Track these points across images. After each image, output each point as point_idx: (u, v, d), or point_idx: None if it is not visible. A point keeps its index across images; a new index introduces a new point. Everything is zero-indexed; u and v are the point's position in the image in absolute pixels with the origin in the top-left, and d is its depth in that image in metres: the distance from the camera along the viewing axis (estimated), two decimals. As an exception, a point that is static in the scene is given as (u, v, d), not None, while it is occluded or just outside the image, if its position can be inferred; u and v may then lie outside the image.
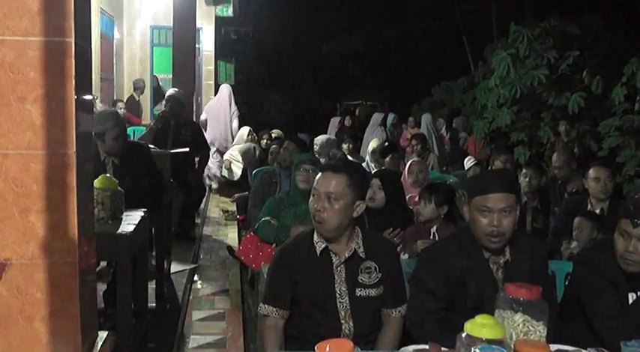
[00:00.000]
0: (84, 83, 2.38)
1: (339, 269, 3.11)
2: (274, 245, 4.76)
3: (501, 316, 2.42)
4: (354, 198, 3.10)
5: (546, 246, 3.83)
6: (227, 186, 10.53)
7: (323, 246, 3.12)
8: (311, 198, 3.13)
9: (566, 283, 3.55)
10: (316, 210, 3.07)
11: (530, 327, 2.37)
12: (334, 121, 14.14)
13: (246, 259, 5.05)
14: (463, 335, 2.26)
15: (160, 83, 13.97)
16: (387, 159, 7.57)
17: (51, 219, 2.29)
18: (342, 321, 3.09)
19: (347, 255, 3.10)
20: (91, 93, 2.54)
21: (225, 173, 10.41)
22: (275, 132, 10.98)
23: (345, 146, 9.67)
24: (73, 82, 2.26)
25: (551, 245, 5.08)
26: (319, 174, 3.15)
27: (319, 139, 9.20)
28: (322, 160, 8.25)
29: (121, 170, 5.20)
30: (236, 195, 9.18)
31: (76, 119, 2.28)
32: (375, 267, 3.12)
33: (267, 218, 4.87)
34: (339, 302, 3.09)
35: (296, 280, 3.11)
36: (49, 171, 2.27)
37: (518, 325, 2.38)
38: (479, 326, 2.24)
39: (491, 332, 2.22)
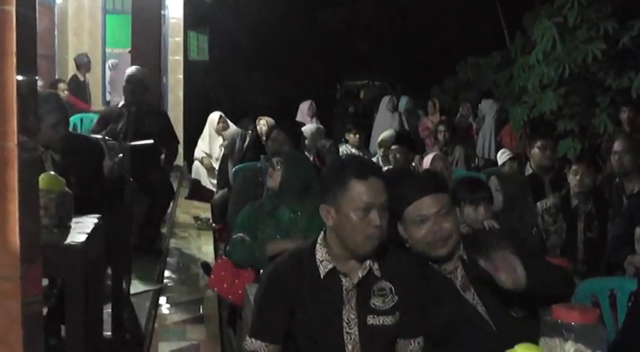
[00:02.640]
0: (27, 61, 2.38)
1: (349, 293, 3.10)
2: (251, 269, 4.75)
3: (547, 345, 2.44)
4: None
5: (510, 234, 3.85)
6: (199, 187, 10.57)
7: (330, 266, 3.10)
8: (355, 212, 3.03)
9: (629, 304, 3.57)
10: (375, 226, 3.01)
11: (585, 358, 2.39)
12: (303, 107, 13.91)
13: (221, 290, 5.02)
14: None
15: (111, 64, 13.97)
16: (394, 151, 7.60)
17: (-14, 226, 2.30)
18: (349, 357, 3.11)
19: (360, 276, 3.09)
20: (36, 74, 2.54)
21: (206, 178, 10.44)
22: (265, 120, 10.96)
23: (350, 137, 9.72)
24: (14, 60, 2.27)
25: (609, 258, 5.13)
26: (362, 182, 3.04)
27: (308, 129, 9.26)
28: (310, 156, 8.29)
29: (62, 168, 5.16)
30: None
31: (18, 105, 2.29)
32: (391, 289, 3.12)
33: (239, 235, 4.84)
34: (347, 332, 3.09)
35: (292, 309, 3.11)
36: (-16, 169, 2.28)
37: (570, 355, 2.40)
38: (521, 359, 2.26)
39: (536, 365, 2.25)
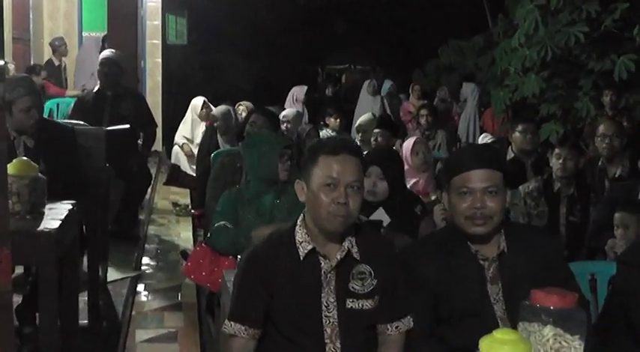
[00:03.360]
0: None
1: (328, 276, 3.10)
2: (231, 257, 4.73)
3: (527, 330, 2.43)
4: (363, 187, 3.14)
5: (558, 241, 3.94)
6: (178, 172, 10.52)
7: (309, 247, 3.10)
8: (321, 187, 3.04)
9: (609, 288, 3.58)
10: (338, 203, 3.01)
11: (564, 343, 2.38)
12: (298, 92, 13.57)
13: (198, 278, 4.98)
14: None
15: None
16: (376, 135, 7.59)
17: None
18: (327, 341, 3.09)
19: (339, 258, 3.09)
20: (3, 58, 2.51)
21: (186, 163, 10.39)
22: (245, 106, 10.90)
23: (331, 121, 9.69)
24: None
25: (591, 242, 5.14)
26: (331, 158, 3.06)
27: (290, 113, 9.22)
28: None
29: (35, 153, 5.10)
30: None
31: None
32: (370, 272, 3.12)
33: (220, 223, 4.82)
34: (325, 316, 3.09)
35: (272, 293, 3.10)
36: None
37: (548, 340, 2.39)
38: (498, 344, 2.24)
39: (515, 351, 2.23)
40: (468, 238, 3.18)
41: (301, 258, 3.09)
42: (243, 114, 8.97)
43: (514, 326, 2.87)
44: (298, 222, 3.17)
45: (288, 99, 12.86)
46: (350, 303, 3.10)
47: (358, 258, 3.11)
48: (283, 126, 8.96)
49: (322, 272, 3.10)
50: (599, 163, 6.53)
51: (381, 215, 4.60)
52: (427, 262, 3.17)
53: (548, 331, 2.40)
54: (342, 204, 3.00)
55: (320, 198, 3.02)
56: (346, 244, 3.10)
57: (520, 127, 6.98)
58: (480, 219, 3.10)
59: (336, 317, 3.09)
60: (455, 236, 3.21)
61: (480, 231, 3.12)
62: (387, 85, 14.32)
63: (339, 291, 3.10)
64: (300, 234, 3.13)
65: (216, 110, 9.15)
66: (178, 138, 10.53)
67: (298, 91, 13.01)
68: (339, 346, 3.09)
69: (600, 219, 5.40)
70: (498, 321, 3.09)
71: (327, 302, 3.09)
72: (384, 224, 4.51)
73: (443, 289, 3.12)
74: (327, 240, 3.11)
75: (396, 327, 3.17)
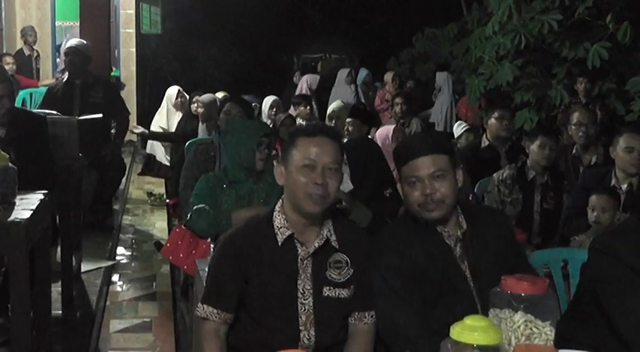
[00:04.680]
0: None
1: (305, 262, 3.11)
2: (211, 239, 4.73)
3: (497, 316, 2.44)
4: (342, 170, 3.16)
5: (505, 216, 4.11)
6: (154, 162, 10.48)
7: (288, 233, 3.10)
8: (299, 168, 3.06)
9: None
10: (316, 183, 3.02)
11: (534, 329, 2.39)
12: (313, 81, 13.30)
13: (176, 260, 4.98)
14: (448, 341, 2.26)
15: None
16: (348, 124, 7.59)
17: None
18: (302, 328, 3.10)
19: (317, 245, 3.10)
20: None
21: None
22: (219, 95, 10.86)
23: (301, 109, 9.66)
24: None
25: (563, 229, 5.16)
26: (309, 140, 3.08)
27: (267, 101, 9.19)
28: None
29: (6, 143, 5.08)
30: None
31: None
32: (347, 262, 3.14)
33: (200, 205, 4.82)
34: (301, 303, 3.10)
35: (247, 277, 3.10)
36: None
37: (519, 327, 2.40)
38: (468, 330, 2.23)
39: (485, 337, 2.22)
40: (425, 222, 3.22)
41: (279, 244, 3.10)
42: (200, 110, 8.83)
43: (484, 303, 2.94)
44: (277, 208, 3.17)
45: (299, 87, 12.77)
46: (327, 291, 3.11)
47: (336, 247, 3.13)
48: (269, 112, 8.97)
49: (299, 259, 3.10)
50: (574, 151, 6.55)
51: (345, 180, 4.65)
52: (402, 248, 3.18)
53: (519, 317, 2.41)
54: (320, 185, 3.01)
55: (298, 179, 3.04)
56: (325, 232, 3.12)
57: (496, 114, 6.98)
58: (432, 204, 3.14)
59: (311, 304, 3.10)
60: (417, 222, 3.25)
61: (434, 216, 3.17)
62: (363, 73, 14.28)
63: (315, 279, 3.11)
64: (278, 220, 3.13)
65: (202, 98, 9.12)
66: (154, 127, 10.47)
67: (311, 81, 12.96)
68: (313, 333, 3.10)
69: (574, 205, 5.44)
70: (475, 298, 3.15)
71: (303, 289, 3.10)
72: (347, 190, 4.57)
73: (419, 272, 3.14)
74: (305, 226, 3.11)
75: (372, 316, 3.18)
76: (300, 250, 3.11)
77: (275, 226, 3.12)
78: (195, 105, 9.20)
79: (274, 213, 3.15)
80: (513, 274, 3.09)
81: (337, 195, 3.19)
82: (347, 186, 4.66)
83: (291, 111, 9.87)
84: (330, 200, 3.07)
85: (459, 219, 3.24)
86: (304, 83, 12.79)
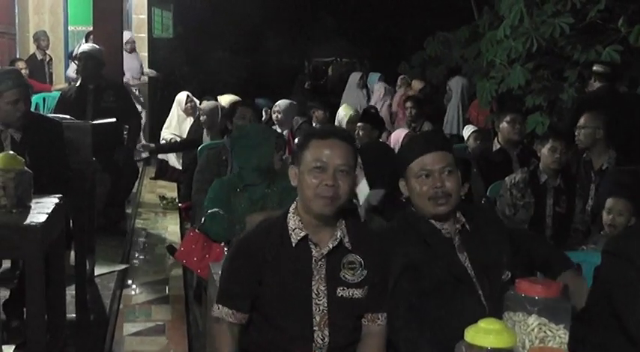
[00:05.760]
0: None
1: (319, 263, 3.12)
2: (224, 243, 4.75)
3: (511, 319, 2.45)
4: (354, 172, 3.19)
5: (494, 212, 4.40)
6: (166, 167, 10.51)
7: (302, 234, 3.12)
8: (310, 170, 3.09)
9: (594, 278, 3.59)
10: (326, 185, 3.05)
11: (548, 332, 2.40)
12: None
13: (190, 263, 5.01)
14: (463, 344, 2.27)
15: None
16: (358, 129, 7.59)
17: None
18: (316, 328, 3.10)
19: (331, 246, 3.12)
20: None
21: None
22: (226, 99, 10.87)
23: (319, 113, 9.66)
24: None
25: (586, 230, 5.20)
26: (321, 142, 3.12)
27: (282, 104, 9.18)
28: (284, 131, 8.26)
29: (21, 147, 5.12)
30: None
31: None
32: (361, 263, 3.14)
33: (214, 209, 4.84)
34: (315, 304, 3.11)
35: (260, 278, 3.12)
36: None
37: (533, 330, 2.41)
38: (483, 333, 2.24)
39: (499, 340, 2.23)
40: (429, 217, 3.30)
41: (293, 245, 3.11)
42: (202, 118, 8.77)
43: (487, 294, 3.08)
44: (291, 210, 3.19)
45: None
46: (340, 292, 3.12)
47: (350, 248, 3.14)
48: (274, 116, 8.97)
49: (313, 260, 3.12)
50: (584, 155, 6.54)
51: (364, 187, 4.68)
52: (405, 244, 3.24)
53: (533, 320, 2.41)
54: (330, 186, 3.03)
55: (309, 180, 3.06)
56: (338, 233, 3.13)
57: (508, 117, 6.97)
58: (442, 198, 3.22)
59: (326, 305, 3.11)
60: (416, 218, 3.32)
61: (442, 210, 3.25)
62: (375, 76, 14.28)
63: (329, 279, 3.12)
64: (292, 221, 3.15)
65: (203, 105, 9.12)
66: (166, 134, 10.49)
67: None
68: (327, 333, 3.11)
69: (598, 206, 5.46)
70: (475, 283, 3.21)
71: (317, 290, 3.11)
72: (363, 193, 4.62)
73: (422, 267, 3.19)
74: (318, 227, 3.13)
75: (385, 317, 3.19)
76: (314, 251, 3.12)
77: (289, 227, 3.14)
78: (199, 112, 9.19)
79: (288, 215, 3.17)
80: (532, 257, 3.39)
81: (349, 197, 3.21)
82: (364, 189, 4.68)
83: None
84: (341, 201, 3.09)
85: (457, 216, 3.32)
86: (382, 90, 12.83)
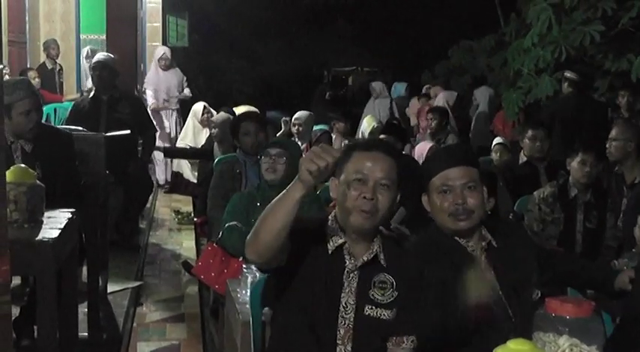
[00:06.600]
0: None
1: (351, 276, 3.12)
2: (242, 259, 4.76)
3: (541, 340, 2.44)
4: (397, 188, 3.17)
5: (522, 226, 4.43)
6: (181, 180, 10.54)
7: (340, 241, 3.11)
8: (351, 182, 3.08)
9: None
10: (365, 198, 3.04)
11: (580, 353, 2.39)
12: (450, 97, 12.92)
13: (207, 279, 5.04)
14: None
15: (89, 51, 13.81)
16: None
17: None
18: (339, 342, 3.10)
19: (365, 259, 3.11)
20: (0, 61, 2.53)
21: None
22: (242, 110, 10.87)
23: (341, 125, 9.64)
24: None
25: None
26: (364, 154, 3.12)
27: (302, 116, 9.17)
28: (303, 145, 8.26)
29: (32, 158, 5.13)
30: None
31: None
32: (392, 283, 3.13)
33: (233, 223, 4.86)
34: (342, 317, 3.10)
35: (293, 271, 3.10)
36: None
37: (564, 351, 2.40)
38: (512, 354, 2.26)
39: (529, 361, 2.24)
40: (453, 234, 3.31)
41: (329, 252, 3.11)
42: (214, 131, 8.77)
43: (516, 312, 3.13)
44: (330, 217, 3.20)
45: (436, 103, 12.74)
46: (368, 310, 3.11)
47: (384, 265, 3.13)
48: (294, 129, 8.96)
49: (345, 271, 3.11)
50: (616, 168, 6.50)
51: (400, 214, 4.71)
52: (428, 261, 3.23)
53: (564, 341, 2.40)
54: (369, 200, 3.03)
55: (349, 192, 3.06)
56: (375, 247, 3.13)
57: (529, 134, 6.93)
58: (463, 214, 3.24)
59: (352, 320, 3.10)
60: (442, 235, 3.34)
61: (463, 226, 3.26)
62: (400, 86, 14.29)
63: (359, 295, 3.11)
64: (331, 228, 3.15)
65: (215, 117, 9.14)
66: (181, 145, 10.51)
67: (449, 97, 12.76)
68: (349, 349, 3.10)
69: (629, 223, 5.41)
70: (505, 303, 3.23)
71: (345, 303, 3.10)
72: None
73: (450, 285, 3.20)
74: (355, 240, 3.12)
75: (412, 341, 3.19)
76: (348, 262, 3.12)
77: (327, 234, 3.14)
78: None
79: (328, 222, 3.18)
80: (557, 271, 3.46)
81: (389, 213, 3.22)
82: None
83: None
84: (379, 216, 3.08)
85: (482, 233, 3.33)
86: (441, 100, 12.76)
